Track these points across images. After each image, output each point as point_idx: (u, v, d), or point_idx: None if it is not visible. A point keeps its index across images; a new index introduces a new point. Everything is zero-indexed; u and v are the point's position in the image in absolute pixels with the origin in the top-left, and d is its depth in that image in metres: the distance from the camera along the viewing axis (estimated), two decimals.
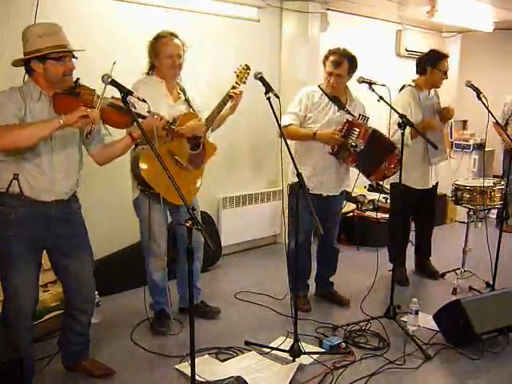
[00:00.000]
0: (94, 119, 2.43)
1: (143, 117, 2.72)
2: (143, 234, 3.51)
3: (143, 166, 3.22)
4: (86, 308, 2.97)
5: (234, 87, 3.48)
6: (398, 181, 3.67)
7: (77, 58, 2.59)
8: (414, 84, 4.34)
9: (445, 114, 4.40)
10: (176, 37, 3.35)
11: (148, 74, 3.41)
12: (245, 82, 3.56)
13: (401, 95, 4.29)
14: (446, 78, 4.32)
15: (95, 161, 2.85)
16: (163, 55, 3.31)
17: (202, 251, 3.72)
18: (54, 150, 2.59)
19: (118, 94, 2.55)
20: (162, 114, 3.13)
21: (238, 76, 3.52)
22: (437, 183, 4.62)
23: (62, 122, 2.39)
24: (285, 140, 3.05)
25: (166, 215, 3.49)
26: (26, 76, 2.60)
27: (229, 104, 3.51)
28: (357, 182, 3.88)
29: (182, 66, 3.40)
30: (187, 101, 3.48)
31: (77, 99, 2.55)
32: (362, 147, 3.66)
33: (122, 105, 2.58)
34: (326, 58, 3.73)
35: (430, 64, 4.26)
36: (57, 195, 2.64)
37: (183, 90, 3.49)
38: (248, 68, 3.55)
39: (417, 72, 4.38)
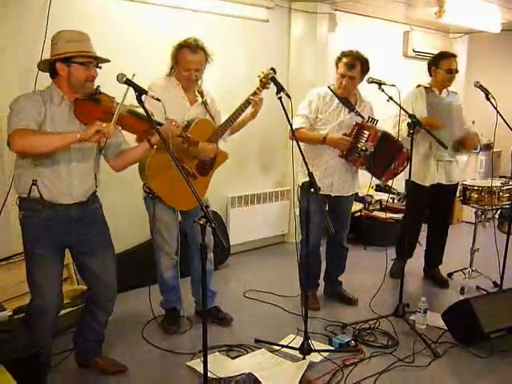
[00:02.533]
0: (109, 134, 2.45)
1: (160, 124, 2.73)
2: (153, 232, 3.52)
3: (149, 173, 3.26)
4: (108, 307, 3.02)
5: (255, 93, 3.37)
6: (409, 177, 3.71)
7: (100, 67, 2.64)
8: (425, 85, 4.36)
9: (467, 144, 4.34)
10: (201, 48, 3.28)
11: (170, 74, 3.40)
12: (267, 87, 3.39)
13: (405, 97, 4.24)
14: (453, 76, 4.28)
15: (112, 167, 2.88)
16: (181, 66, 3.28)
17: (212, 252, 3.70)
18: (72, 159, 2.63)
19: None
20: (177, 116, 3.16)
21: (261, 81, 3.37)
22: (453, 186, 4.47)
23: (79, 136, 2.43)
24: (297, 141, 3.06)
25: (175, 214, 3.44)
26: (39, 82, 2.65)
27: (249, 109, 3.45)
28: (371, 183, 3.87)
29: (199, 79, 3.36)
30: (204, 103, 3.44)
31: (97, 106, 2.61)
32: (372, 150, 3.68)
33: (140, 112, 2.63)
34: (339, 59, 3.75)
35: (434, 64, 4.33)
36: (74, 198, 2.68)
37: (201, 93, 3.45)
38: (274, 71, 3.37)
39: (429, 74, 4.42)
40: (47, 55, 2.65)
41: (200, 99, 3.44)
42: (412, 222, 4.37)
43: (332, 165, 3.83)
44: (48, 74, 2.63)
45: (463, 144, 4.35)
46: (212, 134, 3.40)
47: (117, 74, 2.49)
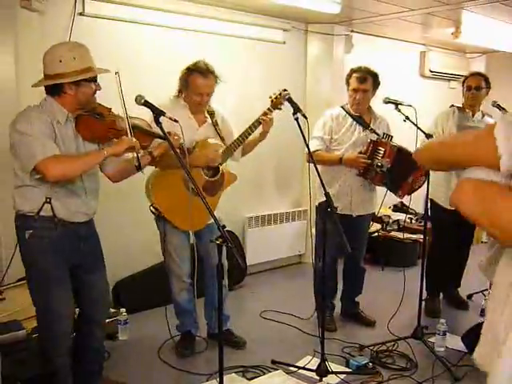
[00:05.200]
0: (139, 148, 2.51)
1: (163, 137, 2.68)
2: (164, 255, 3.49)
3: (154, 193, 3.27)
4: (103, 321, 2.97)
5: (265, 113, 3.35)
6: (431, 197, 3.68)
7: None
8: (458, 105, 4.27)
9: None
10: (211, 72, 3.29)
11: (178, 95, 3.41)
12: (280, 108, 3.39)
13: (437, 116, 4.24)
14: (472, 94, 4.15)
15: (110, 179, 2.85)
16: (192, 91, 3.28)
17: (226, 278, 3.66)
18: (84, 175, 2.62)
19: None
20: (186, 137, 3.14)
21: (272, 101, 3.36)
22: None
23: (106, 153, 2.49)
24: (314, 164, 3.06)
25: (186, 236, 3.45)
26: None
27: (259, 130, 3.42)
28: (383, 202, 3.86)
29: (208, 102, 3.37)
30: (214, 124, 3.44)
31: (101, 121, 2.61)
32: (389, 166, 3.68)
33: (143, 126, 2.69)
34: (350, 76, 3.80)
35: (462, 85, 4.28)
36: (89, 216, 2.70)
37: (212, 113, 3.45)
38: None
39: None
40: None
41: (209, 120, 3.43)
42: (437, 248, 4.24)
43: (350, 184, 3.84)
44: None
45: None
46: (222, 153, 3.38)
47: (135, 95, 2.54)
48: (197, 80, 3.26)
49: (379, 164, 3.68)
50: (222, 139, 3.45)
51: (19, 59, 3.53)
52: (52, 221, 2.52)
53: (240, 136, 3.39)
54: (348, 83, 3.82)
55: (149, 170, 3.19)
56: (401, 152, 3.75)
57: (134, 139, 2.53)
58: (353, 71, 3.80)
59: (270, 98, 3.38)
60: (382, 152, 3.70)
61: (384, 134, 3.76)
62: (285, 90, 3.35)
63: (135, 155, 2.55)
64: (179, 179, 3.23)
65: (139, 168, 2.58)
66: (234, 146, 3.41)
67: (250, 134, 3.40)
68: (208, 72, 3.27)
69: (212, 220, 3.36)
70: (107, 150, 2.51)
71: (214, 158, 3.33)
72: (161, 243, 3.47)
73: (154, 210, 3.35)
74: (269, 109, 3.36)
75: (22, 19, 3.56)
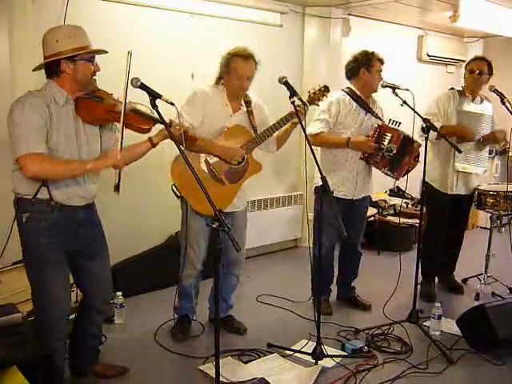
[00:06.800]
0: (121, 168, 2.48)
1: (163, 122, 2.64)
2: (182, 238, 3.45)
3: (174, 172, 3.23)
4: (104, 308, 2.99)
5: (299, 106, 3.20)
6: (427, 181, 3.70)
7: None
8: (459, 88, 4.23)
9: (488, 137, 4.14)
10: (251, 56, 3.26)
11: (217, 82, 3.36)
12: (317, 104, 3.48)
13: (439, 96, 4.21)
14: (476, 78, 4.10)
15: None
16: (234, 75, 3.25)
17: (241, 269, 3.67)
18: (82, 158, 2.59)
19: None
20: (219, 123, 3.23)
21: (310, 96, 3.40)
22: (470, 195, 4.35)
23: (89, 167, 2.49)
24: (310, 146, 3.03)
25: (205, 222, 3.32)
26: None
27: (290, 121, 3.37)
28: (395, 185, 3.86)
29: (248, 87, 3.33)
30: (249, 113, 3.38)
31: (100, 104, 2.59)
32: (395, 152, 3.68)
33: (143, 111, 2.64)
34: (370, 59, 3.76)
35: (465, 68, 4.24)
36: (87, 200, 2.67)
37: (248, 103, 3.40)
38: (327, 90, 3.39)
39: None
40: None
41: (245, 109, 3.38)
42: (432, 232, 4.26)
43: (355, 168, 3.84)
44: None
45: (486, 138, 4.14)
46: (245, 143, 3.34)
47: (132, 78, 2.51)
48: (238, 63, 3.23)
49: (389, 149, 3.68)
50: (255, 130, 3.38)
51: (14, 42, 3.50)
52: (49, 204, 2.51)
53: (270, 127, 3.35)
54: (369, 65, 3.77)
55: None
56: (407, 139, 3.72)
57: (120, 156, 2.46)
58: (372, 53, 3.80)
59: (309, 92, 3.40)
60: (389, 137, 3.70)
61: (390, 120, 3.76)
62: (325, 87, 3.39)
63: (117, 172, 2.49)
64: (202, 163, 3.23)
65: (117, 188, 2.49)
66: (261, 136, 3.35)
67: (280, 126, 3.35)
68: (248, 55, 3.25)
69: (233, 206, 3.39)
70: (91, 164, 2.50)
71: (232, 154, 3.28)
72: (181, 225, 3.44)
73: (175, 190, 3.30)
74: (304, 103, 3.27)
75: (16, 1, 3.50)
